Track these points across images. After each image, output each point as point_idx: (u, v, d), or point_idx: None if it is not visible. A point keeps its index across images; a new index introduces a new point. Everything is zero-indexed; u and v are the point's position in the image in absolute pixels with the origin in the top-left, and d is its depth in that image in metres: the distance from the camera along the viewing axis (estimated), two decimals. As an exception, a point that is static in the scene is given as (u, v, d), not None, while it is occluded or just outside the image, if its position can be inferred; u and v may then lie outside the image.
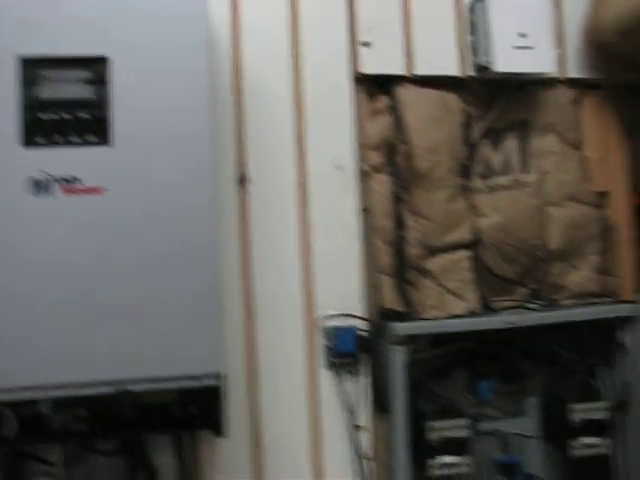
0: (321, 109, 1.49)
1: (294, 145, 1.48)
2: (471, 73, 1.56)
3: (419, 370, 1.53)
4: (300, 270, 1.45)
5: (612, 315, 1.64)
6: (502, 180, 1.60)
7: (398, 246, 1.54)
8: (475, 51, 1.53)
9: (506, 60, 1.46)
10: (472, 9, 1.53)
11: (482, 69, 1.51)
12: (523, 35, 1.46)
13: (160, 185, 1.12)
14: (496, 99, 1.61)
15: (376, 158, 1.54)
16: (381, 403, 1.49)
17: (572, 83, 1.65)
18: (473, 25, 1.54)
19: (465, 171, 1.60)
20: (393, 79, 1.55)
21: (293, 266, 1.45)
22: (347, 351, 1.43)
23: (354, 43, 1.52)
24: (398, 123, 1.53)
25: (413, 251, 1.53)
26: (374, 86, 1.57)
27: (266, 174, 1.45)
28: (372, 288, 1.51)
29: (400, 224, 1.54)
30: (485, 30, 1.47)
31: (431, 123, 1.52)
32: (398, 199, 1.54)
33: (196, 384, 1.10)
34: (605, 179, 1.68)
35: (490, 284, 1.61)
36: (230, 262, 1.39)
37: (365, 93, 1.55)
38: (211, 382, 1.10)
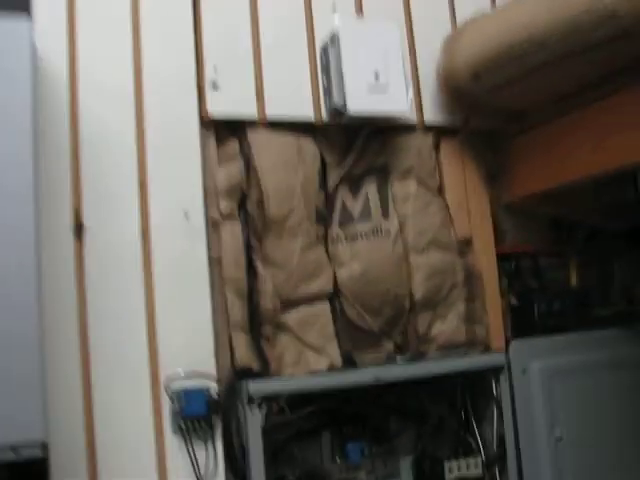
0: (167, 153, 1.70)
1: (137, 190, 1.66)
2: (326, 117, 1.84)
3: (279, 434, 1.73)
4: (144, 326, 1.61)
5: (482, 365, 1.94)
6: (361, 227, 1.87)
7: (251, 299, 1.75)
8: (329, 94, 1.84)
9: (360, 102, 1.75)
10: (324, 50, 1.85)
11: (337, 113, 1.80)
12: (377, 76, 1.78)
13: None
14: (353, 144, 1.88)
15: (226, 205, 1.75)
16: (237, 472, 1.67)
17: (430, 128, 1.97)
18: (326, 67, 1.85)
19: (322, 218, 1.84)
20: (244, 123, 1.79)
21: (136, 322, 1.61)
22: (197, 414, 1.60)
23: (201, 83, 1.75)
24: (249, 168, 1.77)
25: (268, 304, 1.74)
26: (224, 129, 1.79)
27: (106, 222, 1.62)
28: (224, 345, 1.69)
29: (253, 275, 1.76)
30: (338, 72, 1.78)
31: (284, 168, 1.78)
32: (250, 248, 1.76)
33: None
34: (467, 226, 2.00)
35: (353, 338, 1.86)
36: (65, 318, 1.53)
37: (214, 137, 1.77)
38: (34, 453, 1.19)
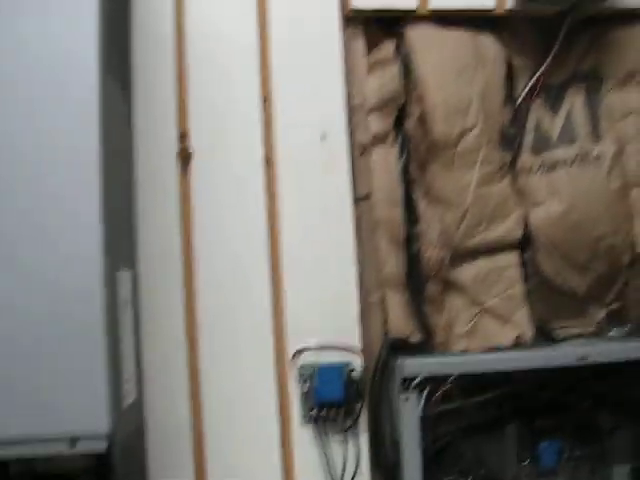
0: (295, 56, 1.36)
1: (259, 107, 1.35)
2: (511, 3, 1.39)
3: (445, 426, 1.38)
4: (267, 283, 1.32)
5: None
6: (563, 153, 1.43)
7: (411, 247, 1.38)
8: None
9: None
10: None
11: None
12: None
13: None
14: (551, 39, 1.42)
15: (379, 124, 1.38)
16: (386, 473, 1.34)
17: None
18: None
19: (509, 141, 1.42)
20: (400, 16, 1.40)
21: (256, 278, 1.31)
22: (335, 399, 1.29)
23: None
24: (408, 76, 1.37)
25: (433, 254, 1.37)
26: (374, 26, 1.42)
27: (217, 147, 1.33)
28: (373, 308, 1.36)
29: (413, 216, 1.39)
30: None
31: (456, 74, 1.36)
32: (410, 181, 1.38)
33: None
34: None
35: (550, 301, 1.46)
36: (167, 273, 1.29)
37: (362, 36, 1.41)
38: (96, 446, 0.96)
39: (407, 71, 1.37)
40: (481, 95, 1.36)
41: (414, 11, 1.39)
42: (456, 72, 1.37)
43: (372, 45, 1.41)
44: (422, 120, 1.34)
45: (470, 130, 1.36)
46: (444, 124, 1.33)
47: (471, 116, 1.35)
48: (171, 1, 1.34)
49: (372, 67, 1.39)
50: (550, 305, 1.44)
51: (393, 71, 1.38)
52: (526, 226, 1.40)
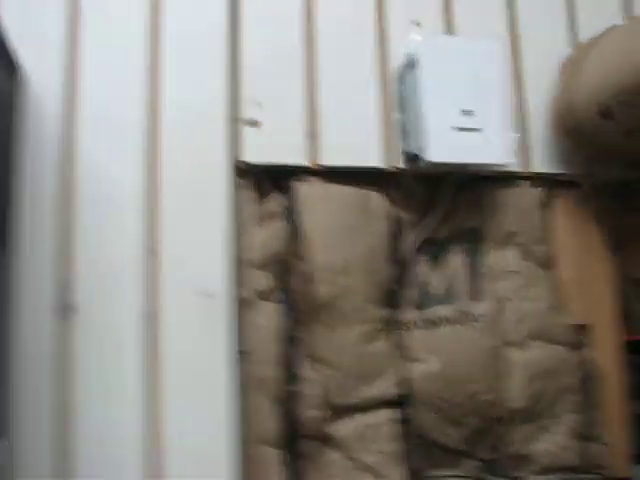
0: (186, 209, 1.38)
1: (146, 259, 1.35)
2: (401, 163, 1.46)
3: None
4: (143, 433, 1.30)
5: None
6: (444, 311, 1.48)
7: (289, 405, 1.39)
8: (404, 133, 1.45)
9: (443, 147, 1.36)
10: (400, 77, 1.46)
11: (413, 159, 1.42)
12: (468, 113, 1.38)
13: None
14: (437, 200, 1.51)
15: (263, 280, 1.40)
16: None
17: (539, 180, 1.55)
18: (402, 99, 1.46)
19: (391, 299, 1.47)
20: (291, 171, 1.43)
21: (133, 428, 1.29)
22: None
23: (236, 121, 1.41)
24: (295, 232, 1.41)
25: (311, 412, 1.38)
26: (266, 180, 1.46)
27: (100, 301, 1.32)
28: (250, 464, 1.36)
29: (293, 374, 1.40)
30: (416, 105, 1.39)
31: (343, 232, 1.40)
32: (291, 339, 1.40)
33: None
34: (585, 308, 1.57)
35: (426, 455, 1.49)
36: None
37: (251, 189, 1.44)
38: None
39: (294, 227, 1.38)
40: (366, 254, 1.39)
41: (304, 167, 1.39)
42: (342, 231, 1.39)
43: (264, 197, 1.42)
44: (305, 279, 1.35)
45: (352, 290, 1.38)
46: (326, 285, 1.35)
47: (354, 276, 1.38)
48: (60, 148, 1.34)
49: (262, 219, 1.40)
50: (426, 458, 1.49)
51: (281, 226, 1.38)
52: (405, 382, 1.41)
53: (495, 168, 1.45)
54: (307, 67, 1.42)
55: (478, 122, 1.33)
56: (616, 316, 1.55)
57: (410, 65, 1.36)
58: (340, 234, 1.38)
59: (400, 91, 1.40)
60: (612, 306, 1.56)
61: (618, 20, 1.54)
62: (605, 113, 1.31)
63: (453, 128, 1.33)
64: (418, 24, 1.44)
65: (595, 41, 1.41)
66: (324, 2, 1.48)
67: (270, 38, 1.44)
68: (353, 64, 1.42)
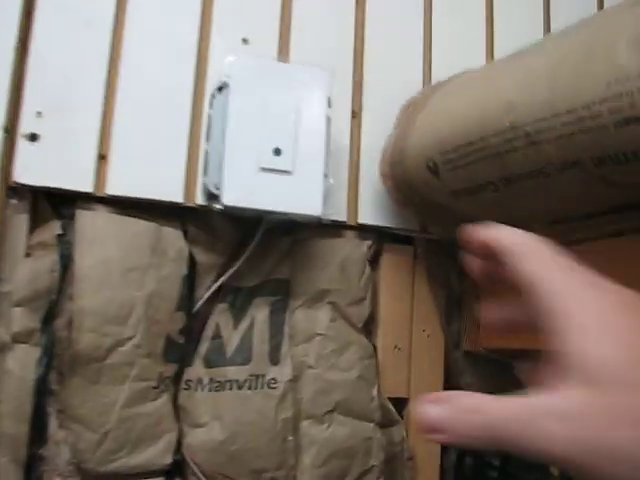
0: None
1: None
2: (201, 198, 1.29)
3: None
4: None
5: None
6: (235, 372, 1.36)
7: (35, 470, 1.23)
8: (206, 167, 1.27)
9: (242, 189, 1.21)
10: (211, 102, 1.27)
11: (213, 197, 1.24)
12: (279, 151, 1.20)
13: None
14: (247, 240, 1.33)
15: (24, 320, 1.25)
16: None
17: (366, 231, 1.41)
18: (209, 127, 1.27)
19: (176, 353, 1.31)
20: (74, 197, 1.31)
21: None
22: None
23: (9, 133, 1.21)
24: (67, 266, 1.22)
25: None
26: (42, 204, 1.33)
27: None
28: None
29: (42, 434, 1.27)
30: (220, 136, 1.21)
31: (122, 275, 1.27)
32: (47, 393, 1.22)
33: None
34: (404, 381, 1.44)
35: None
36: None
37: (26, 211, 1.25)
38: None
39: (67, 262, 1.18)
40: (148, 300, 1.25)
41: (89, 194, 1.20)
42: (123, 272, 1.25)
43: (40, 223, 1.22)
44: (70, 324, 1.15)
45: (126, 341, 1.24)
46: (90, 333, 1.21)
47: (130, 325, 1.24)
48: None
49: (33, 249, 1.21)
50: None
51: (53, 259, 1.18)
52: (180, 452, 1.23)
53: (302, 217, 1.31)
54: (107, 75, 1.26)
55: (289, 163, 1.15)
56: (439, 390, 1.34)
57: (220, 89, 1.15)
58: (118, 276, 1.24)
59: (209, 117, 1.18)
60: (436, 379, 1.36)
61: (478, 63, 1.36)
62: (432, 170, 1.13)
63: (258, 168, 1.12)
64: (245, 41, 1.23)
65: (438, 86, 1.25)
66: (137, 7, 1.36)
67: (70, 41, 1.31)
68: (163, 78, 1.23)
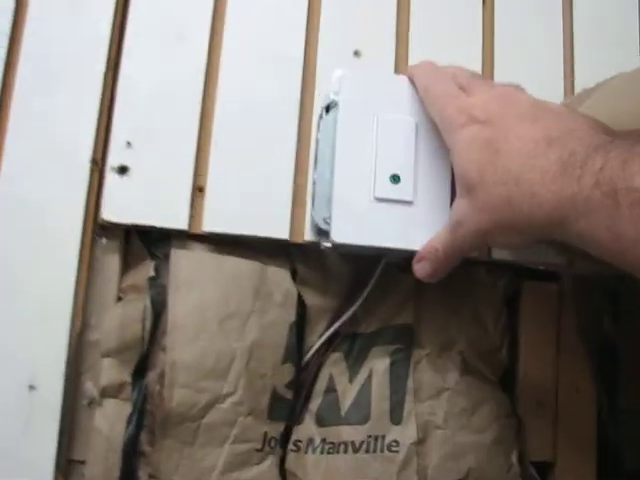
0: (16, 276, 1.10)
1: None
2: (309, 237, 1.11)
3: None
4: None
5: None
6: (350, 432, 1.15)
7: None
8: (314, 199, 1.09)
9: (356, 222, 1.03)
10: (319, 124, 1.10)
11: (323, 233, 1.06)
12: (397, 179, 1.01)
13: None
14: (364, 281, 1.14)
15: (111, 372, 1.12)
16: None
17: (500, 268, 1.23)
18: (317, 153, 1.10)
19: (282, 410, 1.18)
20: (167, 235, 1.17)
21: None
22: None
23: (98, 165, 1.09)
24: (159, 313, 1.07)
25: None
26: (136, 243, 1.20)
27: None
28: None
29: None
30: (329, 163, 1.03)
31: (220, 323, 1.13)
32: (137, 454, 1.07)
33: None
34: (549, 442, 1.22)
35: None
36: None
37: (118, 251, 1.13)
38: None
39: (160, 308, 1.02)
40: (250, 350, 1.09)
41: (184, 232, 1.04)
42: (221, 319, 1.10)
43: (134, 264, 1.08)
44: (159, 378, 0.99)
45: (224, 398, 1.08)
46: (186, 390, 1.06)
47: (229, 380, 1.09)
48: None
49: (125, 293, 1.06)
50: None
51: (145, 304, 1.02)
52: None
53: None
54: (203, 97, 1.19)
55: (409, 192, 0.94)
56: (592, 456, 1.10)
57: (328, 108, 0.97)
58: (217, 322, 1.05)
59: (317, 142, 0.99)
60: (587, 440, 1.12)
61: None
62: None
63: (374, 198, 0.93)
64: (357, 53, 1.05)
65: (584, 95, 1.00)
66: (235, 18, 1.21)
67: (161, 61, 1.19)
68: (265, 98, 1.06)
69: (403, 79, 1.09)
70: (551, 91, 1.24)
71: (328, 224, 1.03)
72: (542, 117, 0.84)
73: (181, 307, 1.10)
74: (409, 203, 1.02)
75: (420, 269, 0.97)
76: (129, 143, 1.11)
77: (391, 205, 1.02)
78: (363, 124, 1.04)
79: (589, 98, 1.10)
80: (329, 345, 1.18)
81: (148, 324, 1.11)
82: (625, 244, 0.62)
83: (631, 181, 0.61)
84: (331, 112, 1.08)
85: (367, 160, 1.03)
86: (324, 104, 1.11)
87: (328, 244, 1.03)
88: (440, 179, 1.03)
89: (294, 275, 1.17)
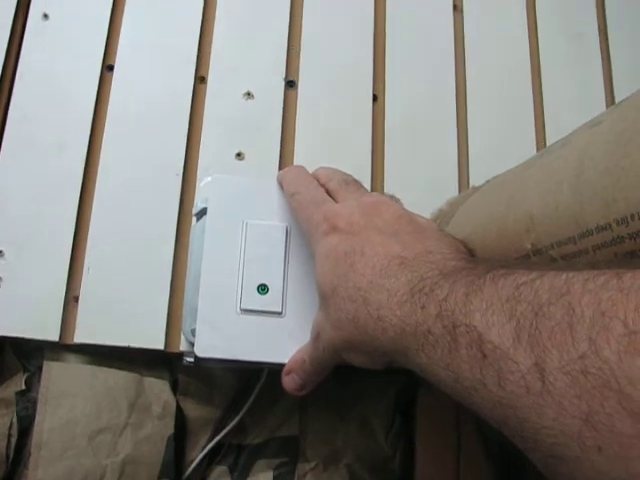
0: None
1: None
2: (183, 348, 1.05)
3: None
4: None
5: None
6: None
7: None
8: (185, 310, 1.03)
9: (220, 336, 1.00)
10: (192, 232, 1.05)
11: (190, 345, 1.00)
12: (263, 289, 0.98)
13: None
14: (248, 394, 1.07)
15: None
16: None
17: (393, 371, 1.12)
18: (190, 262, 1.04)
19: None
20: (42, 347, 1.11)
21: None
22: None
23: None
24: (26, 430, 0.99)
25: None
26: (9, 355, 1.15)
27: None
28: None
29: None
30: (196, 273, 0.98)
31: (91, 432, 1.06)
32: None
33: None
34: None
35: None
36: None
37: None
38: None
39: (27, 424, 0.95)
40: (122, 467, 1.02)
41: (55, 343, 0.98)
42: (91, 434, 1.02)
43: (6, 377, 1.03)
44: None
45: None
46: None
47: None
48: None
49: None
50: None
51: (12, 421, 0.95)
52: None
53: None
54: (79, 205, 1.17)
55: (277, 303, 0.88)
56: None
57: (199, 216, 0.92)
58: (86, 437, 0.98)
59: (190, 251, 0.94)
60: None
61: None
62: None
63: (240, 309, 0.87)
64: (239, 155, 1.00)
65: (463, 197, 0.95)
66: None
67: (38, 167, 1.15)
68: (145, 205, 1.00)
69: (274, 184, 1.03)
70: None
71: (194, 336, 0.95)
72: (402, 232, 0.76)
73: (48, 422, 1.03)
74: (278, 314, 0.95)
75: (288, 382, 0.88)
76: (1, 252, 1.05)
77: (259, 316, 0.95)
78: (231, 231, 0.98)
79: (460, 207, 1.04)
80: (213, 458, 1.09)
81: (13, 442, 1.02)
82: (463, 385, 0.55)
83: (471, 318, 0.54)
84: (201, 220, 1.02)
85: (234, 269, 0.96)
86: (194, 212, 1.05)
87: (191, 359, 0.96)
88: (311, 287, 0.96)
89: (175, 385, 1.09)
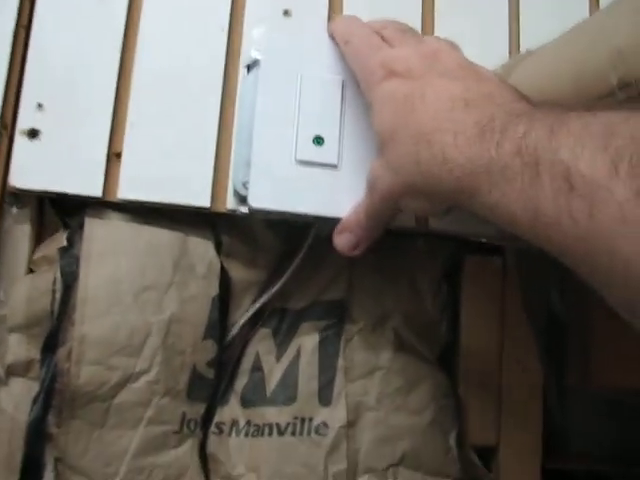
0: None
1: None
2: (231, 205, 0.98)
3: None
4: None
5: None
6: (275, 414, 1.03)
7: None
8: (235, 165, 0.97)
9: (275, 187, 0.96)
10: (241, 85, 0.98)
11: (241, 199, 0.94)
12: (319, 141, 0.90)
13: None
14: (292, 257, 1.02)
15: (19, 349, 1.00)
16: None
17: (439, 240, 1.14)
18: (239, 115, 0.98)
19: (203, 390, 1.06)
20: (83, 204, 1.04)
21: None
22: None
23: (7, 129, 1.02)
24: (70, 286, 0.94)
25: None
26: (49, 212, 1.08)
27: None
28: None
29: None
30: (248, 124, 0.91)
31: (135, 296, 1.01)
32: (42, 436, 0.95)
33: None
34: (492, 425, 1.09)
35: None
36: None
37: (26, 222, 1.06)
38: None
39: (71, 280, 0.89)
40: (168, 325, 0.94)
41: (99, 199, 0.91)
42: (136, 292, 0.97)
43: (48, 234, 0.96)
44: (70, 355, 0.87)
45: (138, 376, 0.94)
46: (95, 367, 0.92)
47: (144, 357, 0.95)
48: None
49: (37, 265, 0.94)
50: None
51: (55, 277, 0.90)
52: None
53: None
54: (121, 58, 1.07)
55: (333, 155, 0.81)
56: (538, 439, 0.97)
57: (249, 67, 0.85)
58: (132, 294, 0.93)
59: (239, 103, 0.87)
60: (533, 422, 0.99)
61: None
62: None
63: (295, 160, 0.85)
64: (287, 13, 0.93)
65: (519, 58, 0.88)
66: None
67: (77, 21, 1.06)
68: (187, 60, 0.92)
69: (326, 37, 0.97)
70: (496, 48, 1.12)
71: (247, 189, 0.90)
72: (462, 77, 0.71)
73: (93, 279, 0.98)
74: (334, 166, 0.89)
75: (342, 241, 0.85)
76: (40, 105, 0.99)
77: (314, 169, 0.90)
78: (285, 83, 0.92)
79: (517, 68, 0.98)
80: (256, 321, 1.05)
81: (58, 297, 0.97)
82: (541, 221, 0.52)
83: (556, 153, 0.50)
84: (252, 71, 0.95)
85: (289, 121, 0.90)
86: (245, 63, 0.98)
87: (245, 209, 0.91)
88: (367, 141, 0.91)
89: (219, 247, 1.04)
